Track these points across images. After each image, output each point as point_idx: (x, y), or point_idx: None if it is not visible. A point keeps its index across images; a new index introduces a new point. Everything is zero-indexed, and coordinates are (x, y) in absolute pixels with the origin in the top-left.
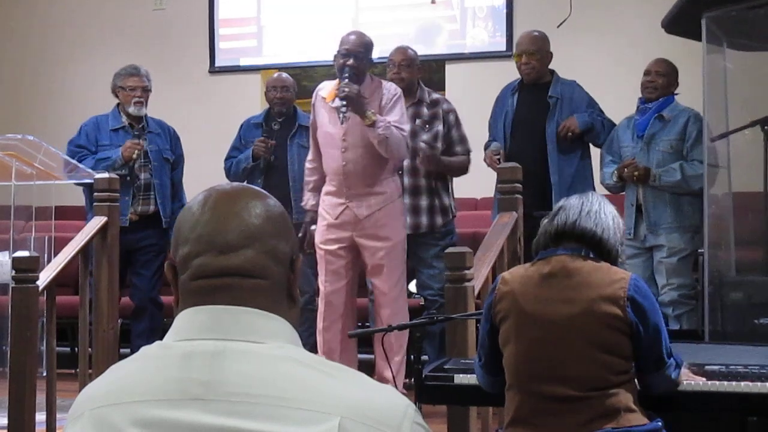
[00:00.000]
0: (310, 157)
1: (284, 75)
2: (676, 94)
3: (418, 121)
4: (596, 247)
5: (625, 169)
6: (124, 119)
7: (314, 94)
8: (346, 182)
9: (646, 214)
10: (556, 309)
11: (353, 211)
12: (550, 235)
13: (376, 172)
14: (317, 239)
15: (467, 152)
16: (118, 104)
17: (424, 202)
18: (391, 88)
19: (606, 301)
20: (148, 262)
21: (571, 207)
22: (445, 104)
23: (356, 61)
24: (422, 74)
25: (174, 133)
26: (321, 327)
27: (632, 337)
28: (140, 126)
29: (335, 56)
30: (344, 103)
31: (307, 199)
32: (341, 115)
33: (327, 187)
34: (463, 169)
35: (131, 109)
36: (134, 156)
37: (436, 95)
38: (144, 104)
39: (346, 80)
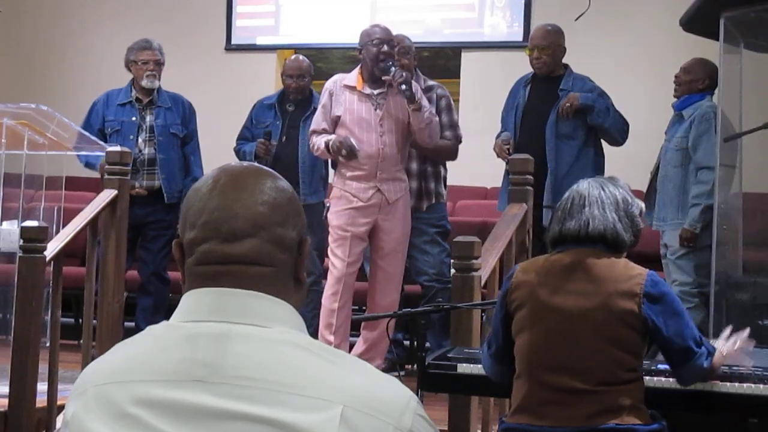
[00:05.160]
0: (318, 128)
1: (301, 58)
2: (710, 93)
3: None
4: (611, 244)
5: None
6: (134, 94)
7: (333, 84)
8: (381, 165)
9: (657, 210)
10: (572, 301)
11: (384, 195)
12: (562, 238)
13: (403, 157)
14: (340, 221)
15: (456, 138)
16: (132, 79)
17: (413, 185)
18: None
19: (622, 296)
20: (155, 237)
21: (575, 210)
22: (439, 90)
23: (390, 48)
24: (433, 60)
25: (189, 107)
26: (337, 306)
27: (648, 334)
28: (148, 100)
29: (365, 46)
30: (404, 87)
31: (324, 139)
32: (375, 102)
33: (354, 172)
34: (448, 153)
35: (144, 82)
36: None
37: (431, 82)
38: (157, 77)
39: (393, 67)
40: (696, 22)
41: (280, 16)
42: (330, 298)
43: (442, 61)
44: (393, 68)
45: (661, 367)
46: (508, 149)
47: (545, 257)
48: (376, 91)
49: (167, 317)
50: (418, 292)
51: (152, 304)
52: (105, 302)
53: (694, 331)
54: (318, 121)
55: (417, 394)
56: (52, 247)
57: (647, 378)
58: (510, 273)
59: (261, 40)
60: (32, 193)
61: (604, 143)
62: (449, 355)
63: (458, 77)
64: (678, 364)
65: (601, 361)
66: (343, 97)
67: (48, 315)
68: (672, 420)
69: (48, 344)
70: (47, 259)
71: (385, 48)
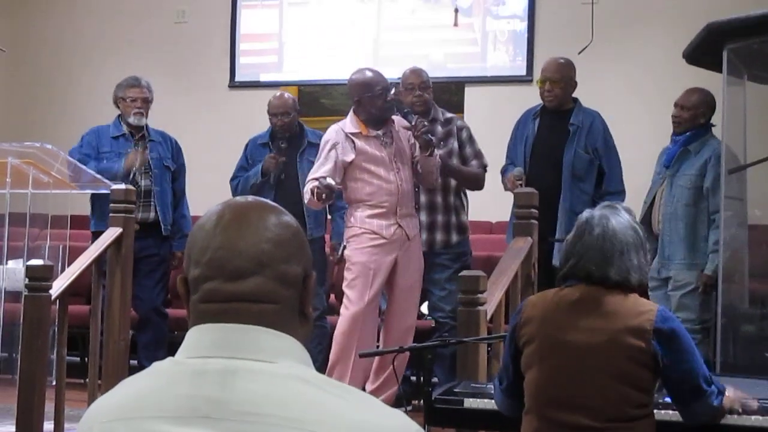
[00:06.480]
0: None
1: (285, 95)
2: (713, 125)
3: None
4: (622, 281)
5: None
6: (125, 128)
7: (336, 134)
8: (400, 201)
9: (662, 247)
10: (581, 337)
11: (405, 231)
12: (574, 273)
13: (414, 192)
14: (363, 258)
15: (483, 167)
16: (119, 115)
17: (439, 218)
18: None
19: (631, 332)
20: (150, 272)
21: (589, 245)
22: (459, 122)
23: (392, 92)
24: (436, 95)
25: (176, 143)
26: (355, 344)
27: (657, 370)
28: (140, 135)
29: (364, 96)
30: (427, 138)
31: (309, 186)
32: (383, 141)
33: (373, 210)
34: (476, 181)
35: (131, 120)
36: (136, 166)
37: (449, 114)
38: (144, 114)
39: (410, 116)
40: (699, 54)
41: (284, 53)
42: (347, 336)
43: (445, 95)
44: (411, 117)
45: (668, 399)
46: (521, 184)
47: (554, 291)
48: (381, 132)
49: (169, 352)
50: (426, 329)
51: (153, 340)
52: (111, 340)
53: (704, 370)
54: (314, 170)
55: (424, 429)
56: (58, 286)
57: (655, 411)
58: (519, 307)
59: (264, 77)
60: (37, 232)
61: None
62: (456, 390)
63: (462, 112)
64: (688, 401)
65: (609, 398)
66: (351, 144)
67: (54, 354)
68: None
69: (54, 383)
70: (53, 297)
71: (389, 95)
